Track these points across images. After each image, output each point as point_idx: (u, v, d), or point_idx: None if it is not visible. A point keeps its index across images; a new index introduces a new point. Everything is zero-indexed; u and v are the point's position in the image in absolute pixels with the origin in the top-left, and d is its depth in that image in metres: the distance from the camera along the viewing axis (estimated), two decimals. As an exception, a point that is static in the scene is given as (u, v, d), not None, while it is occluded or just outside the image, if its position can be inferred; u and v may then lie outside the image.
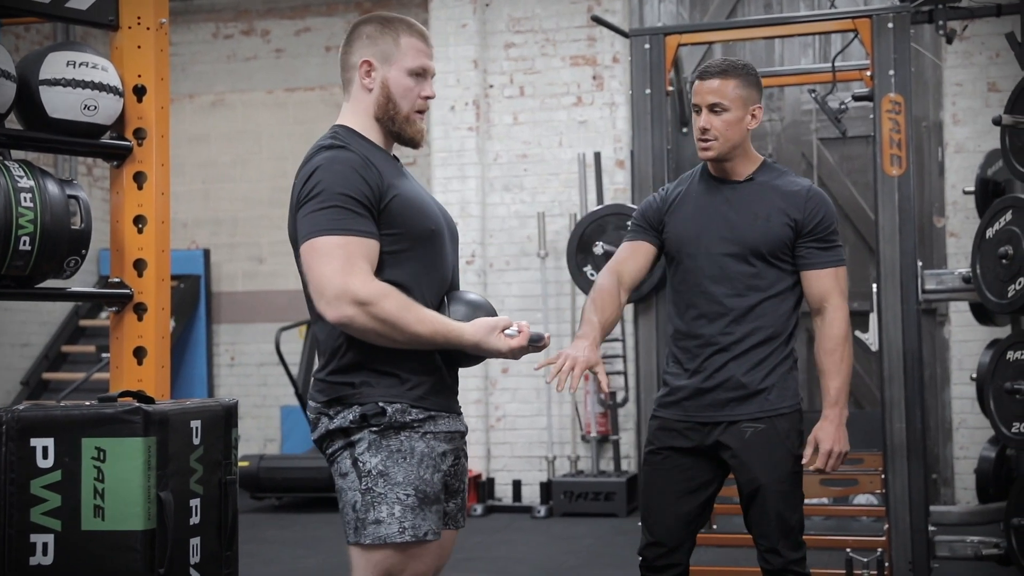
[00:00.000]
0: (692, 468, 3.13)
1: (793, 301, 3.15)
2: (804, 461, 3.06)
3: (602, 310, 3.10)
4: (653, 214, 3.25)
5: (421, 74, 2.56)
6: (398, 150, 2.63)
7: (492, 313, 2.50)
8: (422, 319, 2.36)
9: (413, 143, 2.59)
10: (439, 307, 2.49)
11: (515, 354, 2.43)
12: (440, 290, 2.52)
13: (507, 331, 2.42)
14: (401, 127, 2.55)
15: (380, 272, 2.40)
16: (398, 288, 2.38)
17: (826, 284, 3.12)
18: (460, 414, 2.58)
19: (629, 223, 3.32)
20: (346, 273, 2.33)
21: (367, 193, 2.39)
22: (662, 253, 3.26)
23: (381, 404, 2.40)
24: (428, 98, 2.57)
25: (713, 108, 3.11)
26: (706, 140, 3.12)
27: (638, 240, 3.24)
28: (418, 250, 2.47)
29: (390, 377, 2.42)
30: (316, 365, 2.54)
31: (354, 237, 2.36)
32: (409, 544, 2.39)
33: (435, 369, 2.48)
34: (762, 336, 3.10)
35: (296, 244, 2.43)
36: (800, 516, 3.11)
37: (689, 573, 3.18)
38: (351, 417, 2.41)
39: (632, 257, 3.23)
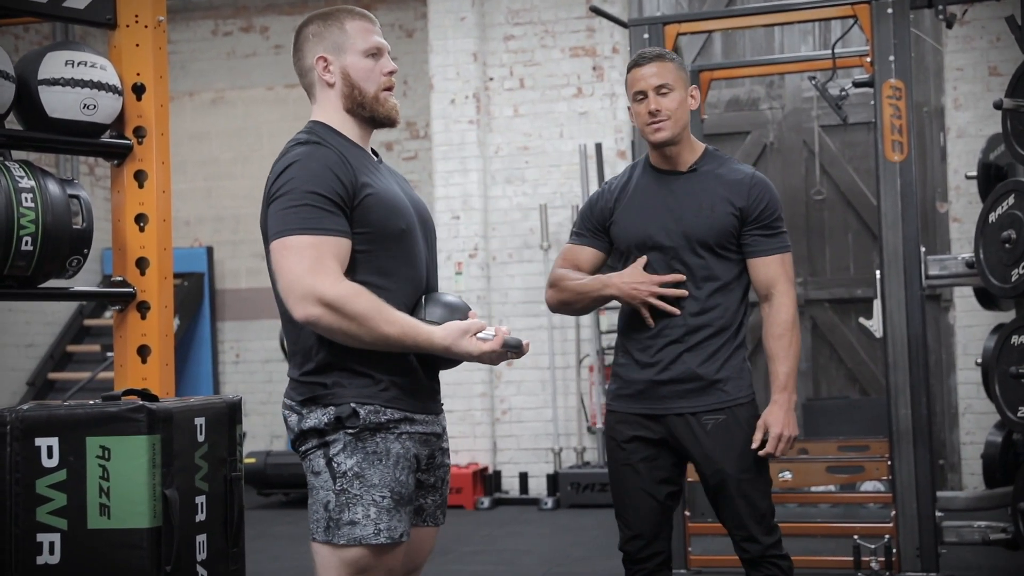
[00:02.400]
0: (658, 457, 3.15)
1: (741, 291, 3.17)
2: (753, 446, 3.07)
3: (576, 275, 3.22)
4: (598, 216, 3.27)
5: (376, 52, 2.54)
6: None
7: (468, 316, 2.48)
8: (391, 320, 2.33)
9: (389, 121, 2.57)
10: (415, 307, 2.47)
11: (489, 359, 2.40)
12: (415, 289, 2.49)
13: (480, 335, 2.38)
14: (373, 109, 2.53)
15: (352, 271, 2.38)
16: (369, 287, 2.36)
17: (773, 271, 3.13)
18: (439, 414, 2.56)
19: (573, 226, 3.34)
20: (315, 272, 2.31)
21: (340, 191, 2.38)
22: (608, 255, 3.29)
23: (353, 406, 2.39)
24: (391, 73, 2.56)
25: (659, 90, 3.12)
26: (658, 121, 3.12)
27: (589, 247, 3.27)
28: (390, 249, 2.45)
29: (363, 377, 2.40)
30: (289, 365, 2.52)
31: (325, 236, 2.34)
32: (384, 545, 2.39)
33: (410, 370, 2.46)
34: (715, 327, 3.11)
35: (267, 240, 2.42)
36: (770, 501, 3.13)
37: (671, 558, 3.21)
38: (325, 419, 2.40)
39: (585, 263, 3.26)
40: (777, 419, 3.07)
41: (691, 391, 3.09)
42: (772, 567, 3.07)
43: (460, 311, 2.48)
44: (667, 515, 3.17)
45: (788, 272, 3.16)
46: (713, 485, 3.11)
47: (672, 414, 3.11)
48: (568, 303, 3.24)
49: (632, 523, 3.15)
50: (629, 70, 3.19)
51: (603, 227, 3.25)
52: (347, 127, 2.53)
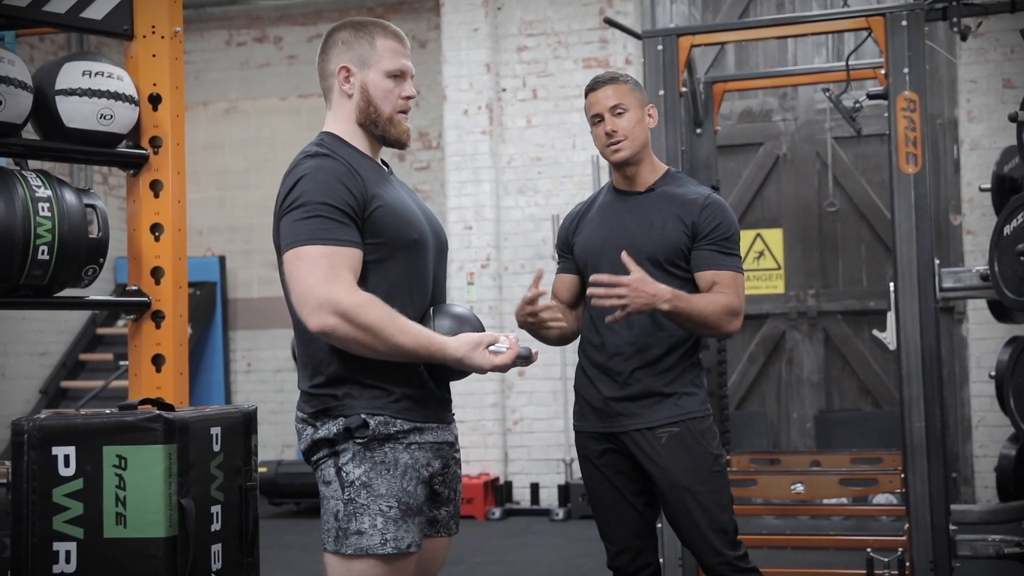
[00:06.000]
0: (631, 471, 3.14)
1: None
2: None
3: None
4: (564, 238, 3.34)
5: (399, 75, 2.55)
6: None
7: (479, 327, 2.49)
8: (405, 330, 2.34)
9: (399, 144, 2.59)
10: (423, 318, 2.48)
11: (499, 370, 2.42)
12: (424, 300, 2.51)
13: (492, 347, 2.40)
14: (384, 129, 2.55)
15: (363, 281, 2.40)
16: (380, 298, 2.37)
17: (723, 280, 3.07)
18: (451, 423, 2.57)
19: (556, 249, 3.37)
20: (329, 282, 2.32)
21: (351, 202, 2.39)
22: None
23: (363, 416, 2.40)
24: (409, 98, 2.57)
25: (615, 111, 3.15)
26: (616, 142, 3.15)
27: (563, 273, 3.32)
28: (401, 259, 2.46)
29: (374, 389, 2.42)
30: (299, 376, 2.53)
31: (338, 247, 2.35)
32: (391, 556, 2.38)
33: (421, 381, 2.47)
34: (668, 344, 3.09)
35: (280, 252, 2.43)
36: (731, 516, 3.09)
37: (660, 570, 3.21)
38: (335, 429, 2.41)
39: (564, 288, 3.31)
40: (641, 287, 2.90)
41: (645, 406, 3.08)
42: None
43: (469, 323, 2.49)
44: (650, 526, 3.18)
45: (738, 289, 3.07)
46: (671, 498, 3.08)
47: (629, 430, 3.10)
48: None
49: (617, 538, 3.16)
50: (586, 95, 3.23)
51: (570, 248, 3.30)
52: (357, 139, 2.55)
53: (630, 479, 3.14)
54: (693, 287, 3.10)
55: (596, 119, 3.18)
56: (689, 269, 3.11)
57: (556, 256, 3.43)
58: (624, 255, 2.96)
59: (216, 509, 2.67)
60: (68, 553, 2.51)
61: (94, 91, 3.22)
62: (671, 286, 3.05)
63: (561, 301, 3.29)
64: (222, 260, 9.12)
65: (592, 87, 3.20)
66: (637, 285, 2.90)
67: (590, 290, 2.97)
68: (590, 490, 3.22)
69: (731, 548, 3.05)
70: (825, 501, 5.87)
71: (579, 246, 3.24)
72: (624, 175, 3.23)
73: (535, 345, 2.71)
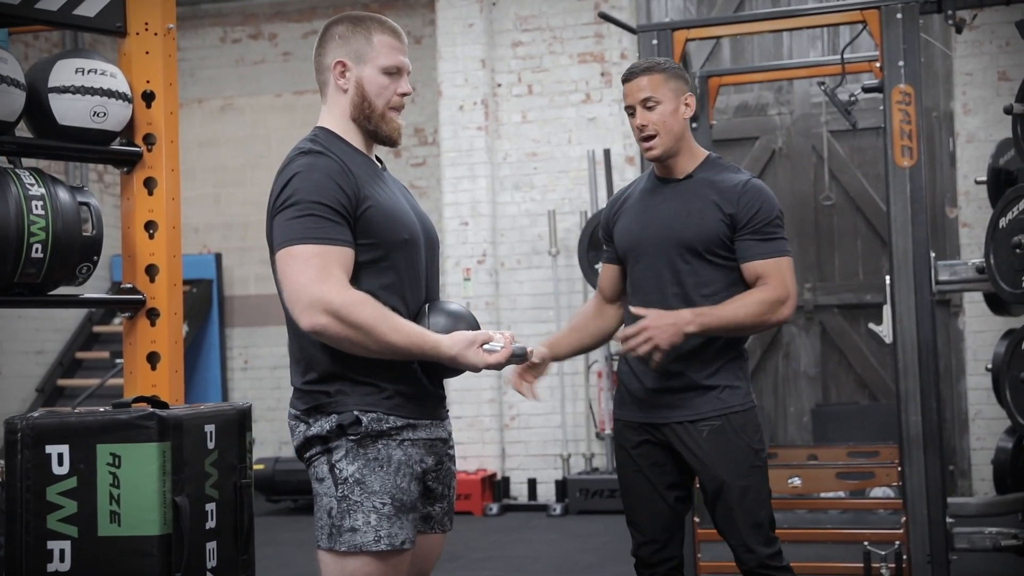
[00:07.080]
0: (667, 464, 3.14)
1: None
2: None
3: (573, 326, 3.34)
4: (605, 226, 3.33)
5: (396, 71, 2.54)
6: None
7: (474, 324, 2.48)
8: (397, 329, 2.34)
9: (390, 141, 2.57)
10: (418, 316, 2.48)
11: (494, 369, 2.42)
12: (418, 298, 2.51)
13: (486, 346, 2.40)
14: (376, 125, 2.53)
15: (355, 281, 2.39)
16: (373, 297, 2.37)
17: (763, 270, 3.06)
18: (445, 419, 2.56)
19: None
20: (321, 281, 2.32)
21: (343, 201, 2.38)
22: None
23: (356, 413, 2.39)
24: (404, 95, 2.56)
25: (646, 104, 3.11)
26: (648, 138, 3.12)
27: (608, 263, 3.32)
28: (393, 259, 2.45)
29: (366, 386, 2.41)
30: (292, 373, 2.52)
31: (330, 246, 2.35)
32: (385, 552, 2.38)
33: (414, 378, 2.46)
34: (709, 337, 3.06)
35: (272, 250, 2.43)
36: (769, 511, 3.09)
37: (683, 564, 3.20)
38: (328, 426, 2.40)
39: (608, 279, 3.32)
40: (660, 321, 2.96)
41: (687, 399, 3.08)
42: None
43: (464, 320, 2.49)
44: (678, 520, 3.17)
45: (782, 275, 3.06)
46: (711, 492, 3.08)
47: (671, 423, 3.10)
48: None
49: (644, 528, 3.15)
50: (623, 83, 3.20)
51: (612, 236, 3.28)
52: (351, 134, 2.54)
53: (665, 472, 3.14)
54: (737, 274, 3.09)
55: (629, 111, 3.17)
56: (729, 256, 3.09)
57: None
58: (633, 308, 3.04)
59: (211, 507, 2.67)
60: (62, 552, 2.50)
61: (87, 88, 3.21)
62: (714, 275, 3.08)
63: (605, 295, 3.31)
64: (218, 257, 9.11)
65: (627, 77, 3.17)
66: (655, 323, 2.95)
67: (623, 345, 3.02)
68: (622, 479, 3.21)
69: (765, 545, 3.04)
70: (822, 494, 5.87)
71: (618, 235, 3.23)
72: (663, 164, 3.20)
73: (531, 344, 2.70)
